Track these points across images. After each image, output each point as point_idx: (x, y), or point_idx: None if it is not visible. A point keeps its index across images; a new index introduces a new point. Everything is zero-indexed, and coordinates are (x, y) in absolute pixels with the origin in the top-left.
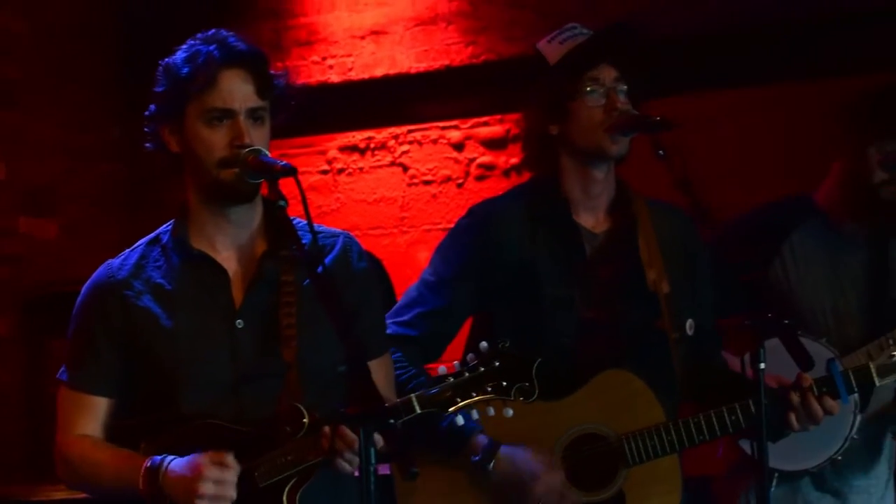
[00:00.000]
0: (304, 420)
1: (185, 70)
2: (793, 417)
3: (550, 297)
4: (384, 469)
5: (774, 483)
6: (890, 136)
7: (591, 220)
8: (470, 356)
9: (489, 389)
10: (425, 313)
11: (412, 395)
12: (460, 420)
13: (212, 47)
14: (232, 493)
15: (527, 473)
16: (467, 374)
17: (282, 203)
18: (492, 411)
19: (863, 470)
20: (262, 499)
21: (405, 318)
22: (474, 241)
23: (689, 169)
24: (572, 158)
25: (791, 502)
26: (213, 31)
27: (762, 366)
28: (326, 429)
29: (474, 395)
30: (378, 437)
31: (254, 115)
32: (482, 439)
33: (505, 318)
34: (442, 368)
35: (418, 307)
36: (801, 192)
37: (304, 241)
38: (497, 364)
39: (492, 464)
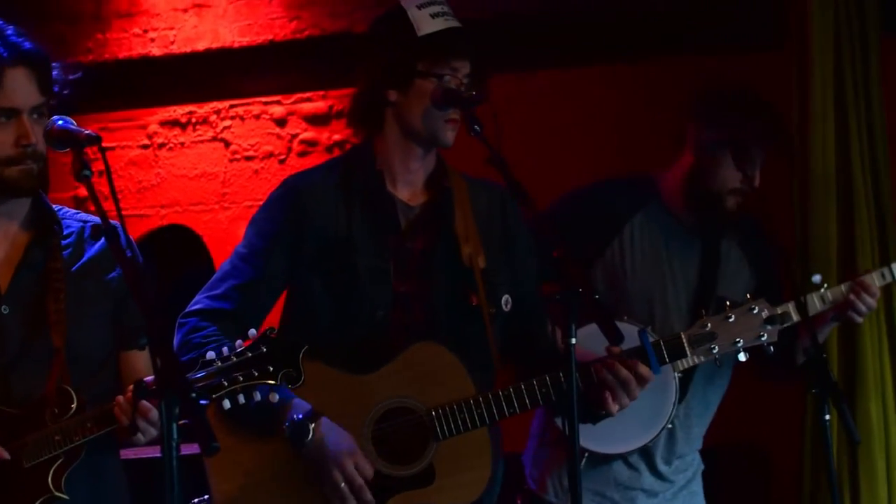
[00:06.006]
0: (73, 403)
1: None
2: (608, 397)
3: (365, 269)
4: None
5: (584, 461)
6: (749, 155)
7: (408, 192)
8: (238, 342)
9: (255, 374)
10: (239, 286)
11: None
12: (226, 404)
13: None
14: None
15: (344, 447)
16: (234, 359)
17: (86, 173)
18: (258, 396)
19: (676, 454)
20: (28, 478)
21: (218, 291)
22: (286, 212)
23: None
24: (400, 131)
25: (604, 482)
26: None
27: (573, 340)
28: (121, 398)
29: (241, 379)
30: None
31: (37, 112)
32: (301, 403)
33: (319, 290)
34: (210, 353)
35: (231, 279)
36: (644, 173)
37: (70, 230)
38: (264, 350)
39: (311, 426)
